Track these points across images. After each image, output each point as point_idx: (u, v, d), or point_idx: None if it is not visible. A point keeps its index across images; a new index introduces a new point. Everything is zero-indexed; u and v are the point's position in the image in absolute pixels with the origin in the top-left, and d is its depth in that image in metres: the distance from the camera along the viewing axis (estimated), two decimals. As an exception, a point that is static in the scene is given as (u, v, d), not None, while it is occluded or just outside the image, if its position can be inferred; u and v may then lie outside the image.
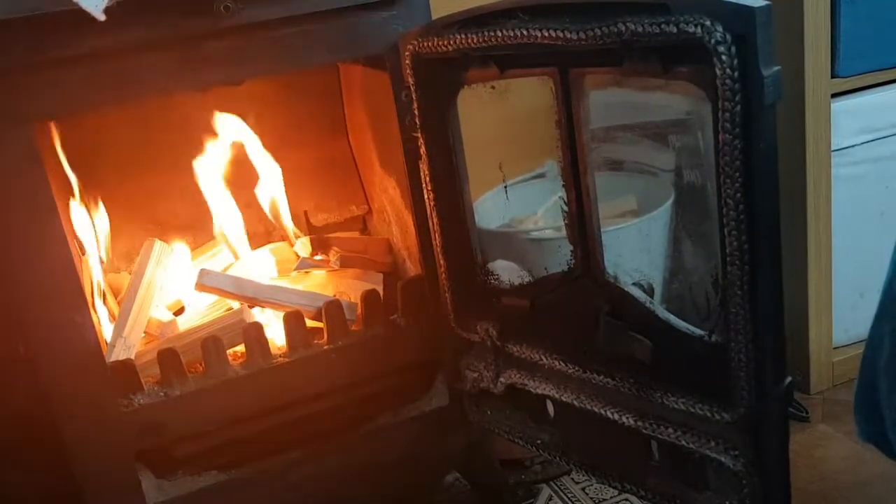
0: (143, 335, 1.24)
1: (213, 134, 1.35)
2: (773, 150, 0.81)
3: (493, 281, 1.17)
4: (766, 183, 0.81)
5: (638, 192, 1.44)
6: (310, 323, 1.21)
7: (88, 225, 1.30)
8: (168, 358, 1.13)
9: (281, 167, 1.38)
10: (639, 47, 0.85)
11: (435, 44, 1.05)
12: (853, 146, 1.47)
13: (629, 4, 0.84)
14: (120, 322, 1.21)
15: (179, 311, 1.35)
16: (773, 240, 0.84)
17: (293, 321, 1.18)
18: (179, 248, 1.39)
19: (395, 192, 1.30)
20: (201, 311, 1.32)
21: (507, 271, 1.20)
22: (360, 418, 1.25)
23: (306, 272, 1.35)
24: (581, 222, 1.02)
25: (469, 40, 1.00)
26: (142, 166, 1.37)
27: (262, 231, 1.45)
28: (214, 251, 1.41)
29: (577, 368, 1.05)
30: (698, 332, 0.94)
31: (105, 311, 1.26)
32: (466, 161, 1.14)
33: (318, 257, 1.37)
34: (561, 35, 0.90)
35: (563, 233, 1.05)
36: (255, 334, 1.17)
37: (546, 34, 0.92)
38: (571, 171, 1.00)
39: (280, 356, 1.19)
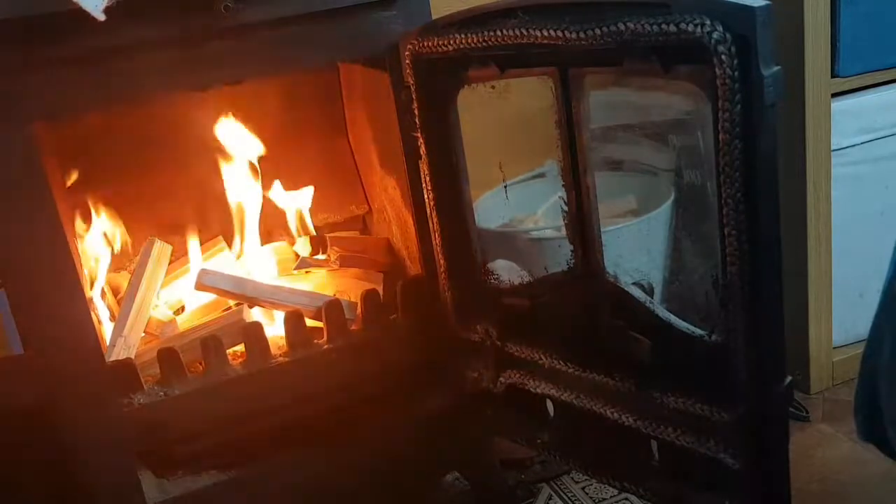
0: (143, 335, 1.24)
1: (214, 135, 1.35)
2: (773, 150, 0.81)
3: (493, 281, 1.17)
4: (766, 183, 0.81)
5: (638, 192, 1.45)
6: (310, 323, 1.21)
7: (88, 224, 1.30)
8: (168, 357, 1.13)
9: (281, 166, 1.38)
10: (639, 47, 0.86)
11: (435, 44, 1.05)
12: (853, 146, 1.47)
13: (629, 4, 0.85)
14: (120, 321, 1.21)
15: (180, 310, 1.35)
16: (773, 240, 0.84)
17: (293, 321, 1.19)
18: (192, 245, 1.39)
19: (395, 192, 1.30)
20: (201, 310, 1.32)
21: (507, 271, 1.20)
22: (359, 418, 1.25)
23: (306, 272, 1.35)
24: (581, 222, 1.02)
25: (469, 40, 1.00)
26: (142, 166, 1.37)
27: (261, 231, 1.45)
28: (217, 249, 1.41)
29: (577, 368, 1.05)
30: (698, 332, 0.94)
31: (105, 310, 1.26)
32: (466, 161, 1.14)
33: (319, 257, 1.37)
34: (561, 35, 0.90)
35: (563, 233, 1.05)
36: (255, 334, 1.17)
37: (546, 34, 0.92)
38: (571, 171, 1.00)
39: (280, 356, 1.19)
